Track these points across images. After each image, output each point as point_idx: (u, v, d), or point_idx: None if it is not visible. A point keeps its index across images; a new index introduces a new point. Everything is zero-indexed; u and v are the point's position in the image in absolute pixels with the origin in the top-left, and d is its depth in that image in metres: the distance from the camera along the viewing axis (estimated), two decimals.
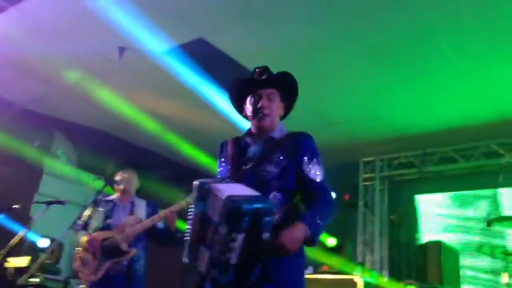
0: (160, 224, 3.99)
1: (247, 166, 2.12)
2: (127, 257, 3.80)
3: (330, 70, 5.33)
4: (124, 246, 3.79)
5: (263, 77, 2.24)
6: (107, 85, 6.07)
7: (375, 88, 5.65)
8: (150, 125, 7.08)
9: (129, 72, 5.67)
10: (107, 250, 3.76)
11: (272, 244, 1.85)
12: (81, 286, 3.83)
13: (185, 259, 1.98)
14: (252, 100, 2.27)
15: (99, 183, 4.08)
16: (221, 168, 2.30)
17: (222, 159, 2.30)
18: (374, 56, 4.96)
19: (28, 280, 4.00)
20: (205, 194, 1.94)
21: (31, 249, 5.06)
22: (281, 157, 2.14)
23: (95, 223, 3.97)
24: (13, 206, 4.24)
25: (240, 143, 2.29)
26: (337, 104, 6.14)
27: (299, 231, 1.93)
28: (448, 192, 6.83)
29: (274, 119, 2.29)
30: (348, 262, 5.70)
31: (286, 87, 2.33)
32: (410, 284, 4.21)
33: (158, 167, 7.43)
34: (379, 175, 7.44)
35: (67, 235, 4.04)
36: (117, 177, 4.18)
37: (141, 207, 4.15)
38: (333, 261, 5.70)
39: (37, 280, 4.26)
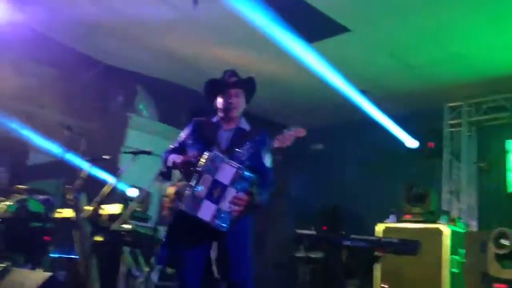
0: None
1: (223, 148, 2.87)
2: None
3: (413, 11, 4.99)
4: None
5: (232, 80, 3.00)
6: (183, 38, 6.12)
7: (462, 28, 5.24)
8: None
9: (203, 23, 5.66)
10: None
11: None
12: None
13: (185, 208, 2.68)
14: (224, 97, 2.99)
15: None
16: (191, 141, 3.00)
17: (194, 135, 3.02)
18: None
19: (121, 226, 4.25)
20: (217, 163, 2.67)
21: (121, 198, 5.36)
22: (251, 145, 2.84)
23: (179, 173, 4.07)
24: (103, 157, 4.49)
25: (214, 127, 3.01)
26: (420, 47, 5.78)
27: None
28: None
29: (239, 112, 3.02)
30: (433, 211, 5.51)
31: (249, 88, 3.08)
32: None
33: None
34: (466, 120, 7.02)
35: (153, 185, 4.22)
36: None
37: None
38: (417, 210, 5.54)
39: (128, 226, 4.52)
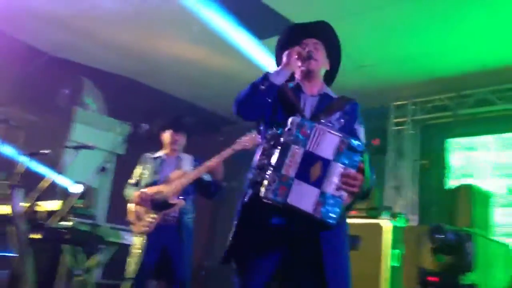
0: (207, 177, 4.08)
1: (306, 116, 2.22)
2: (175, 208, 3.96)
3: (361, 10, 5.09)
4: (171, 199, 3.94)
5: (310, 24, 2.38)
6: (132, 31, 6.02)
7: (409, 29, 5.39)
8: (177, 71, 7.02)
9: (155, 17, 5.59)
10: (157, 204, 3.94)
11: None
12: (134, 238, 4.03)
13: (269, 195, 1.93)
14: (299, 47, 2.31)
15: (125, 129, 4.11)
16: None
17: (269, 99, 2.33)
18: None
19: (59, 223, 4.14)
20: (307, 130, 1.98)
21: (64, 194, 5.19)
22: (341, 117, 2.28)
23: (145, 179, 4.14)
24: (44, 151, 4.34)
25: (294, 90, 2.34)
26: (368, 46, 5.90)
27: None
28: (483, 136, 6.60)
29: (320, 67, 2.38)
30: (376, 207, 5.64)
31: (330, 42, 2.46)
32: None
33: (186, 113, 7.46)
34: (410, 119, 7.24)
35: (96, 179, 4.14)
36: (169, 138, 4.25)
37: (188, 162, 4.23)
38: (361, 206, 5.64)
39: (68, 223, 4.40)
